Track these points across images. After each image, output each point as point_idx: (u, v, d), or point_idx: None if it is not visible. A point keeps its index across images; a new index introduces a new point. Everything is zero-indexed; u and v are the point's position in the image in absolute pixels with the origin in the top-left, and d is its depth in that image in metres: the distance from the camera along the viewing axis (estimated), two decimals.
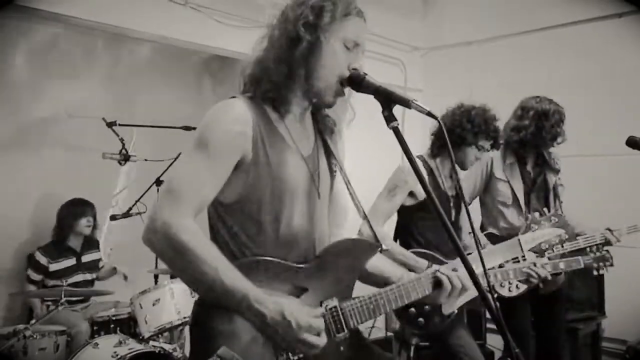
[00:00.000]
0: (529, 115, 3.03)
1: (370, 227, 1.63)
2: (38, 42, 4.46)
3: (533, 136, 3.01)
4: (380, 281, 1.61)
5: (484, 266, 1.43)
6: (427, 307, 2.52)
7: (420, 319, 2.56)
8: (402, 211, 2.81)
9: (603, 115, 4.24)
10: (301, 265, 1.46)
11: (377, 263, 1.63)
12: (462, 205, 2.85)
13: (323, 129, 1.62)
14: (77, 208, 4.13)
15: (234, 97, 1.48)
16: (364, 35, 1.51)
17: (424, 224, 2.77)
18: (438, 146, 2.82)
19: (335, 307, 1.45)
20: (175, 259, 1.34)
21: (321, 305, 1.45)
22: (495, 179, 3.13)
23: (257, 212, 1.44)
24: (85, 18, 3.58)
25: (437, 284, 1.58)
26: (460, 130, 2.72)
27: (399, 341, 4.28)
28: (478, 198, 3.27)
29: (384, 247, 1.59)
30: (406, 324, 2.63)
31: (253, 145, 1.42)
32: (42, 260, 3.98)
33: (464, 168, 2.85)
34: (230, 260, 1.37)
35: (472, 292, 2.42)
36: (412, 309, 2.54)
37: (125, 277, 4.21)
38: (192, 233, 1.33)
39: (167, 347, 3.27)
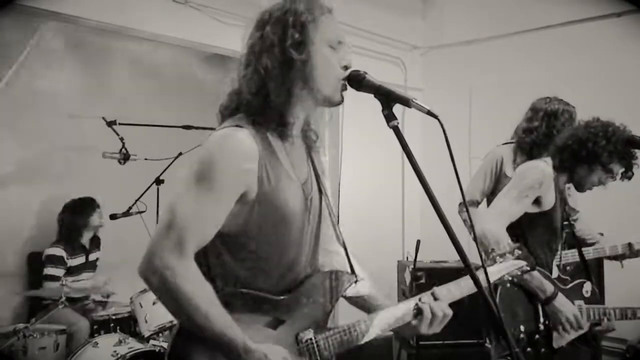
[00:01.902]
0: (538, 116, 3.02)
1: (348, 256, 1.62)
2: (38, 41, 4.45)
3: (545, 137, 2.98)
4: (372, 309, 1.63)
5: (485, 270, 1.44)
6: (537, 336, 2.40)
7: (529, 349, 2.39)
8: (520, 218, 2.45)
9: (602, 114, 4.23)
10: (280, 298, 1.48)
11: (369, 288, 1.65)
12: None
13: (309, 145, 1.61)
14: (85, 205, 4.18)
15: (239, 125, 1.41)
16: (341, 32, 1.50)
17: (540, 239, 2.49)
18: (565, 160, 2.48)
19: (310, 339, 1.48)
20: (168, 300, 1.36)
21: (297, 338, 1.48)
22: (506, 178, 3.07)
23: (254, 245, 1.44)
24: (85, 17, 3.58)
25: (419, 312, 1.56)
26: (592, 146, 2.40)
27: (399, 341, 4.29)
28: (486, 198, 3.27)
29: (359, 278, 1.60)
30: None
31: (258, 182, 1.40)
32: (64, 254, 3.98)
33: (580, 189, 2.54)
34: (216, 289, 1.39)
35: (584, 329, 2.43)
36: (523, 336, 2.39)
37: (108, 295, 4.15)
38: (188, 277, 1.34)
39: (167, 346, 3.26)
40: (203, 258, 1.42)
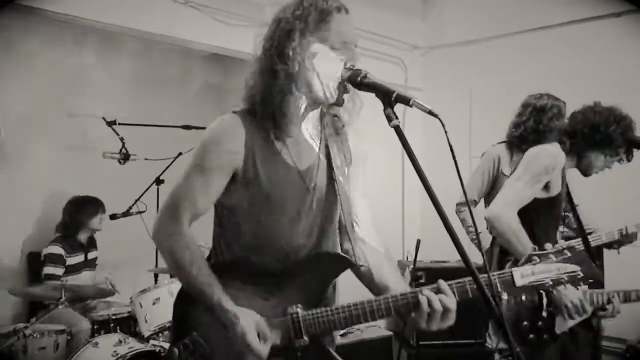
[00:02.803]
0: (527, 111, 3.07)
1: (351, 242, 1.62)
2: (38, 41, 4.46)
3: (532, 131, 3.02)
4: (382, 293, 1.58)
5: (486, 267, 1.42)
6: (540, 323, 2.35)
7: (532, 336, 2.35)
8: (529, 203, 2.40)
9: None
10: (272, 272, 1.54)
11: (386, 275, 1.64)
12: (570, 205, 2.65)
13: (329, 133, 1.63)
14: (91, 205, 4.15)
15: (234, 112, 1.55)
16: (350, 30, 1.51)
17: (544, 225, 2.44)
18: (576, 144, 2.45)
19: (296, 313, 1.49)
20: (165, 258, 1.60)
21: (285, 311, 1.50)
22: (504, 176, 3.07)
23: (243, 222, 1.56)
24: (85, 17, 3.58)
25: (416, 305, 1.44)
26: (604, 129, 2.37)
27: (399, 340, 4.29)
28: (483, 198, 3.27)
29: (362, 264, 1.61)
30: (517, 337, 2.29)
31: (244, 162, 1.51)
32: (62, 252, 3.96)
33: (587, 174, 2.53)
34: (218, 256, 1.60)
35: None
36: (526, 323, 2.34)
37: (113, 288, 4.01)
38: (177, 238, 1.54)
39: (167, 346, 3.26)
40: (214, 228, 1.63)
